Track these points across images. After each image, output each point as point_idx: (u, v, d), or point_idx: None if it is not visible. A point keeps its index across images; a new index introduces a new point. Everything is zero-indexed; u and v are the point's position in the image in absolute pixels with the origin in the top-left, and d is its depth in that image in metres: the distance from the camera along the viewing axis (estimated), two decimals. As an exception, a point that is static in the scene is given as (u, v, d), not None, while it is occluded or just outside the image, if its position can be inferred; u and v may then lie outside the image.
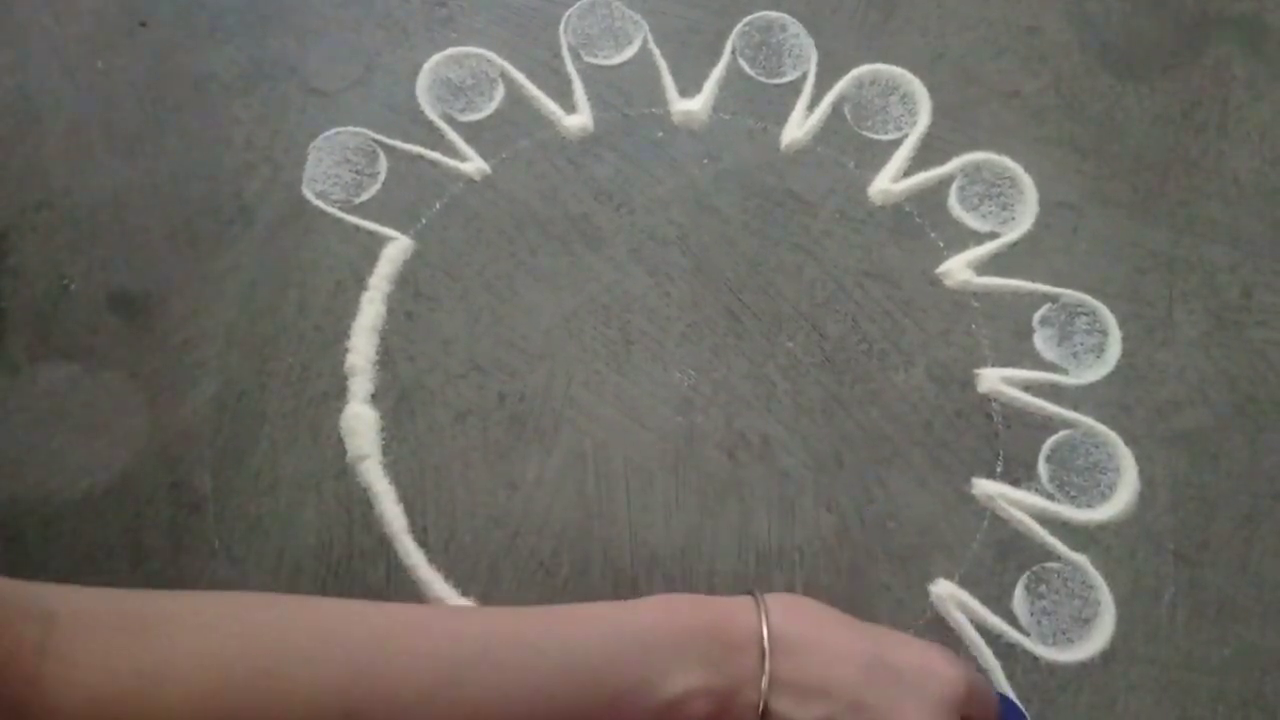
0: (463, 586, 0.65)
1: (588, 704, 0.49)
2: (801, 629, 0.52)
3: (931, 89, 0.80)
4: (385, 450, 0.69)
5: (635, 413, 0.70)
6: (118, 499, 0.66)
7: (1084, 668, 0.64)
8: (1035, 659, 0.64)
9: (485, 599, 0.65)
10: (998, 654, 0.64)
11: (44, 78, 0.79)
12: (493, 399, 0.70)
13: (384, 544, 0.66)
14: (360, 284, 0.73)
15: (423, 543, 0.66)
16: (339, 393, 0.70)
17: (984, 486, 0.69)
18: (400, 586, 0.65)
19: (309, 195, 0.75)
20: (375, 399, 0.70)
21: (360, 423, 0.69)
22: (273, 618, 0.49)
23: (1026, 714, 0.62)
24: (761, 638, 0.51)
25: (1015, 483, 0.69)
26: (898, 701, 0.51)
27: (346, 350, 0.71)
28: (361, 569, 0.65)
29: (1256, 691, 0.64)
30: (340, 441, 0.69)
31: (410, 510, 0.67)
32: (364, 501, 0.67)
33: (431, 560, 0.66)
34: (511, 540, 0.66)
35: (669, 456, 0.69)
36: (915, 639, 0.56)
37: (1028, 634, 0.65)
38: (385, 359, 0.71)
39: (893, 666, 0.52)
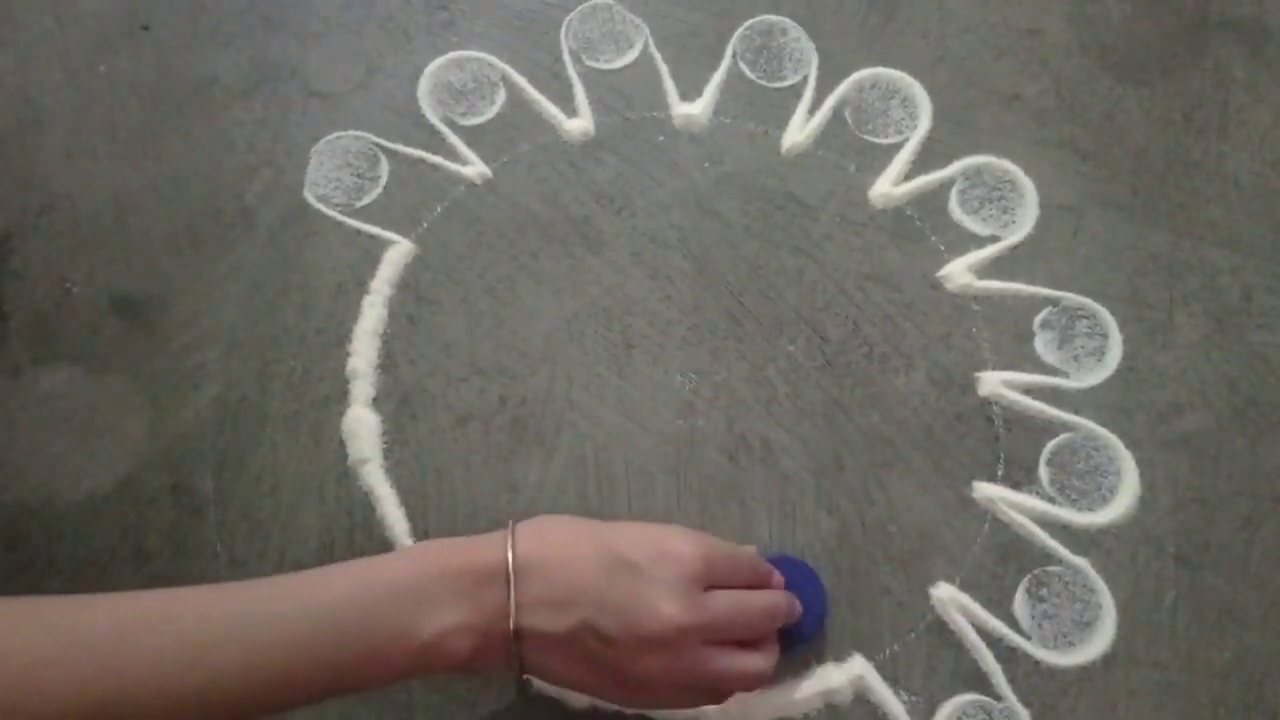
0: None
1: (346, 660, 0.50)
2: (545, 550, 0.54)
3: (932, 92, 0.81)
4: (387, 454, 0.69)
5: (636, 416, 0.71)
6: (119, 501, 0.67)
7: (1085, 671, 0.64)
8: (1036, 662, 0.65)
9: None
10: (999, 657, 0.64)
11: (46, 81, 0.79)
12: (494, 402, 0.70)
13: (385, 547, 0.66)
14: (362, 287, 0.74)
15: (424, 546, 0.67)
16: (340, 396, 0.70)
17: (985, 490, 0.69)
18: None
19: (310, 199, 0.76)
20: (377, 402, 0.70)
21: (362, 426, 0.69)
22: (11, 625, 0.49)
23: (815, 571, 0.65)
24: (508, 566, 0.53)
25: (1016, 486, 0.69)
26: (639, 591, 0.53)
27: (348, 354, 0.72)
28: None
29: (1258, 695, 0.64)
30: (342, 445, 0.69)
31: (412, 514, 0.68)
32: (365, 505, 0.68)
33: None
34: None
35: (670, 459, 0.70)
36: (653, 527, 0.58)
37: (1029, 637, 0.65)
38: (387, 362, 0.72)
39: (629, 561, 0.54)
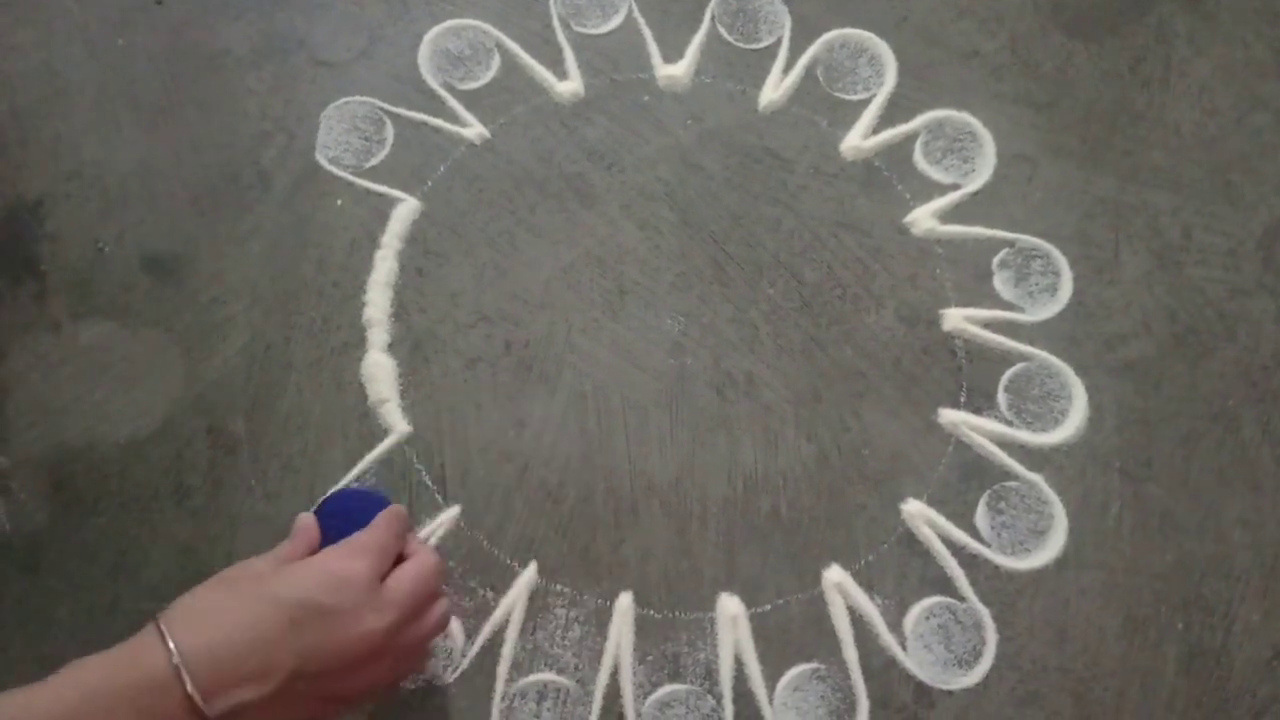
0: (478, 515, 0.71)
1: None
2: (210, 631, 0.51)
3: (897, 51, 0.85)
4: (403, 394, 0.74)
5: (631, 356, 0.75)
6: (159, 443, 0.71)
7: (1040, 574, 0.70)
8: (996, 567, 0.70)
9: (499, 526, 0.70)
10: (962, 563, 0.70)
11: (68, 55, 0.83)
12: (500, 346, 0.75)
13: (405, 479, 0.71)
14: (373, 243, 0.78)
15: (440, 477, 0.71)
16: (358, 343, 0.75)
17: (949, 415, 0.74)
18: (422, 516, 0.71)
19: (322, 161, 0.80)
20: (392, 348, 0.75)
21: (379, 369, 0.74)
22: None
23: (359, 492, 0.68)
24: (177, 668, 0.49)
25: (977, 411, 0.74)
26: (333, 626, 0.54)
27: (363, 304, 0.76)
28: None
29: (1196, 593, 0.70)
30: (361, 387, 0.74)
31: (428, 448, 0.72)
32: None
33: (449, 493, 0.71)
34: (521, 473, 0.72)
35: (662, 395, 0.74)
36: (308, 561, 0.57)
37: (989, 545, 0.71)
38: (399, 311, 0.76)
39: (310, 603, 0.53)
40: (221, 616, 0.52)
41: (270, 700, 0.51)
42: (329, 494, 0.69)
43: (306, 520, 0.62)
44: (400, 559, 0.61)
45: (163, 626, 0.51)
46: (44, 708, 0.48)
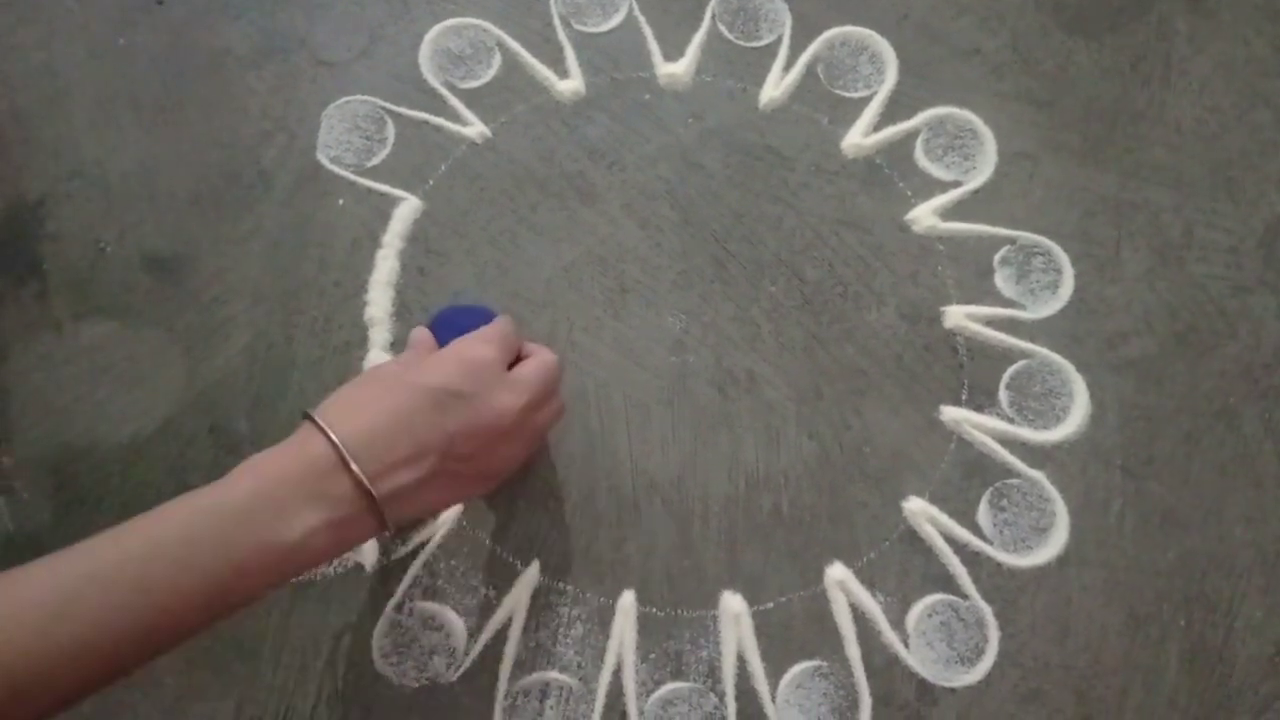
0: (481, 514, 0.71)
1: (216, 587, 0.50)
2: (365, 419, 0.55)
3: (898, 48, 0.85)
4: None
5: (632, 354, 0.75)
6: (162, 442, 0.72)
7: (1041, 571, 0.70)
8: (998, 565, 0.70)
9: (502, 525, 0.70)
10: (964, 561, 0.70)
11: (69, 55, 0.83)
12: None
13: None
14: (375, 242, 0.78)
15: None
16: (360, 342, 0.75)
17: (951, 413, 0.74)
18: (424, 515, 0.71)
19: (323, 160, 0.80)
20: (394, 347, 0.75)
21: (381, 368, 0.74)
22: None
23: (471, 304, 0.72)
24: (340, 452, 0.53)
25: (979, 408, 0.74)
26: (475, 408, 0.57)
27: (365, 303, 0.76)
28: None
29: (1198, 590, 0.70)
30: (363, 386, 0.74)
31: None
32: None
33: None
34: (524, 472, 0.72)
35: (664, 392, 0.74)
36: (446, 350, 0.60)
37: (991, 543, 0.71)
38: (401, 310, 0.76)
39: (450, 389, 0.57)
40: (371, 406, 0.56)
41: (428, 480, 0.56)
42: (437, 311, 0.69)
43: (422, 332, 0.65)
44: (519, 359, 0.63)
45: (319, 420, 0.54)
46: (225, 498, 0.51)
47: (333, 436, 0.53)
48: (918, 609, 0.69)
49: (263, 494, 0.52)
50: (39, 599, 0.47)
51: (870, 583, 0.69)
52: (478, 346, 0.60)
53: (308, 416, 0.55)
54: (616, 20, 0.86)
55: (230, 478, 0.53)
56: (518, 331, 0.64)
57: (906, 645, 0.68)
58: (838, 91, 0.84)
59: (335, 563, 0.69)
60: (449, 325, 0.65)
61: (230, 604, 0.51)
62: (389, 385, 0.57)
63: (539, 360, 0.62)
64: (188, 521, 0.50)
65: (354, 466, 0.53)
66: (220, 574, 0.50)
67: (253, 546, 0.50)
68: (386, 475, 0.54)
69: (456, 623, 0.68)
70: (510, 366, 0.61)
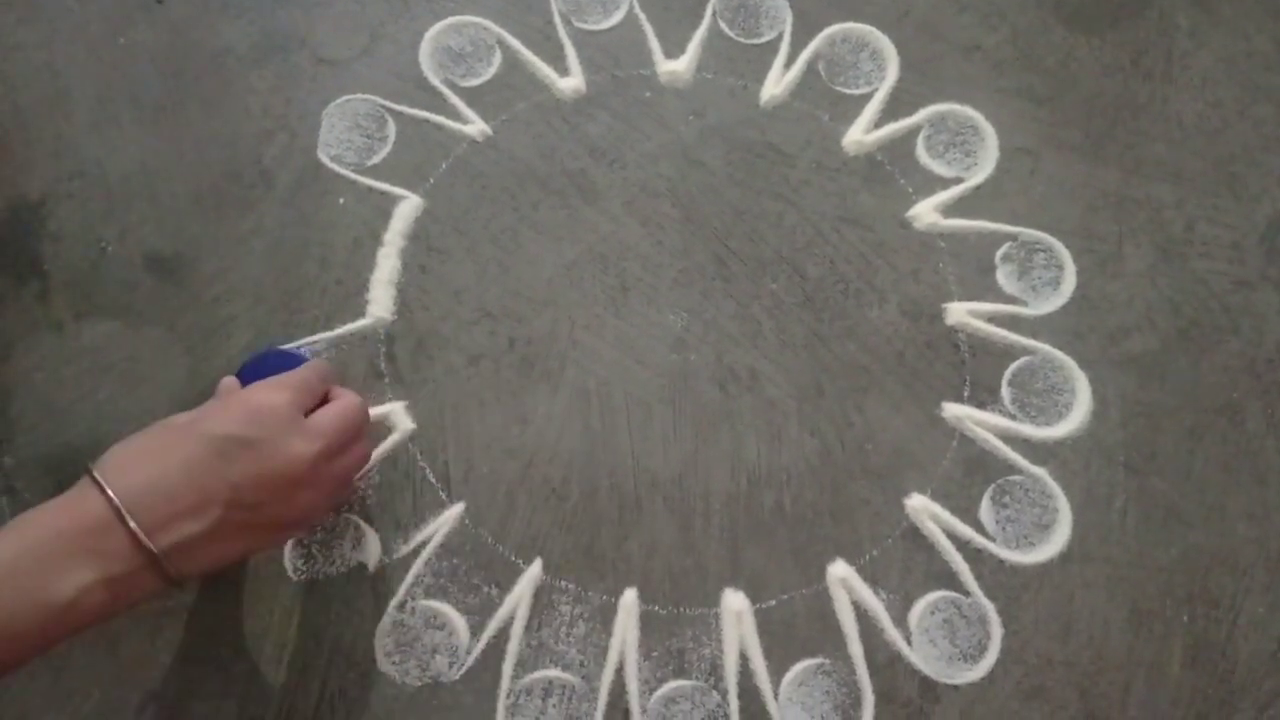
0: (482, 513, 0.71)
1: None
2: (145, 472, 0.53)
3: (899, 45, 0.85)
4: (407, 392, 0.74)
5: (634, 352, 0.75)
6: None
7: (1044, 568, 0.70)
8: (1001, 561, 0.70)
9: (504, 523, 0.70)
10: (967, 558, 0.70)
11: (69, 54, 0.83)
12: (503, 343, 0.75)
13: (409, 477, 0.71)
14: (376, 240, 0.78)
15: (444, 475, 0.71)
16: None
17: (953, 409, 0.74)
18: (426, 513, 0.71)
19: (324, 159, 0.80)
20: (395, 345, 0.75)
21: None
22: None
23: (279, 351, 0.71)
24: (115, 506, 0.51)
25: (981, 405, 0.74)
26: (261, 454, 0.56)
27: (366, 302, 0.76)
28: (390, 496, 0.71)
29: (1201, 587, 0.70)
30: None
31: (432, 445, 0.72)
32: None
33: (453, 490, 0.71)
34: (525, 470, 0.72)
35: (666, 391, 0.74)
36: (231, 397, 0.59)
37: (994, 539, 0.71)
38: (403, 309, 0.76)
39: (235, 436, 0.55)
40: (152, 459, 0.54)
41: (215, 531, 0.54)
42: (252, 356, 0.69)
43: (229, 380, 0.63)
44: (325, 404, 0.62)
45: (96, 475, 0.53)
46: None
47: (108, 491, 0.52)
48: (920, 606, 0.69)
49: (31, 551, 0.50)
50: None
51: (872, 580, 0.69)
52: (268, 392, 0.59)
53: (88, 471, 0.54)
54: (617, 18, 0.86)
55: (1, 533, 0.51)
56: (330, 377, 0.64)
57: (909, 642, 0.68)
58: (839, 88, 0.84)
59: (337, 562, 0.69)
60: (256, 373, 0.64)
61: (2, 662, 0.50)
62: (174, 435, 0.56)
63: (339, 405, 0.61)
64: None
65: (130, 522, 0.51)
66: None
67: (21, 605, 0.49)
68: (167, 528, 0.53)
69: (459, 621, 0.68)
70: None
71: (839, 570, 0.70)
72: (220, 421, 0.56)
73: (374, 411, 0.72)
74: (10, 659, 0.50)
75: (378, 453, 0.71)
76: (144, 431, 0.57)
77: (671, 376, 0.75)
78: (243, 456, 0.55)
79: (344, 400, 0.62)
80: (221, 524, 0.54)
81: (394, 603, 0.68)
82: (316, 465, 0.58)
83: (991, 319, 0.76)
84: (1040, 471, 0.72)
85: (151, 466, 0.54)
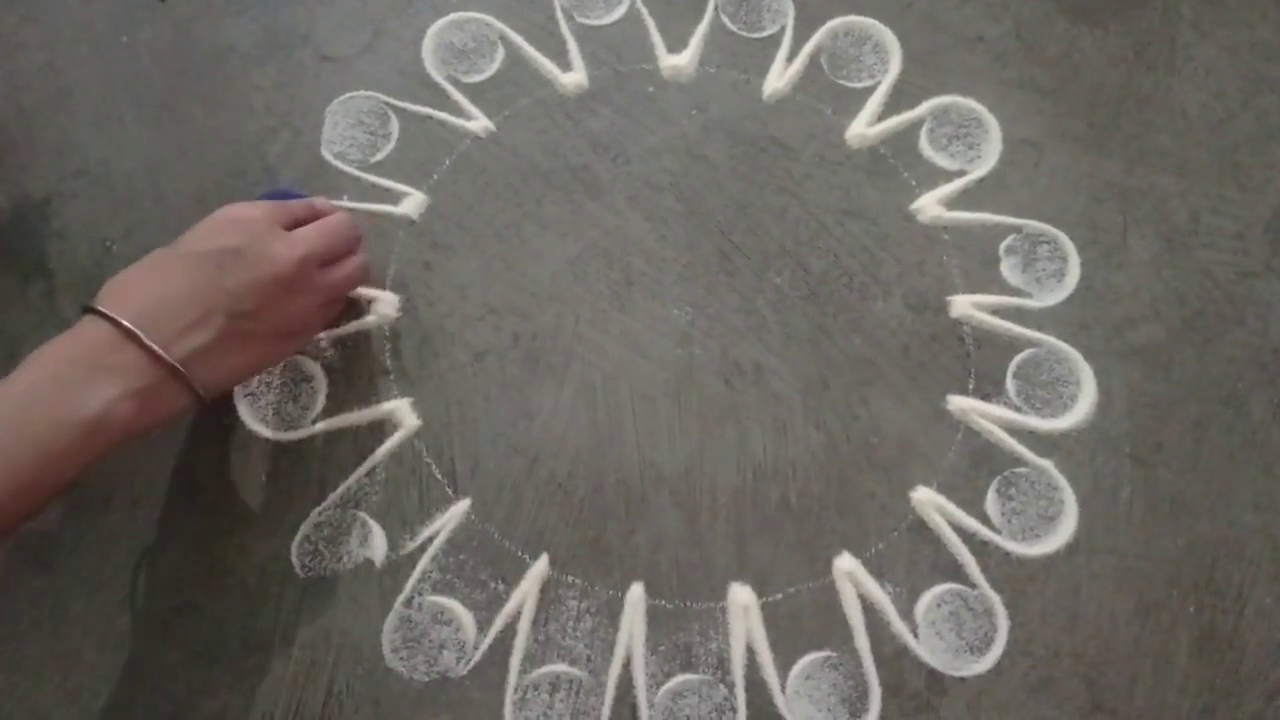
0: (489, 508, 0.71)
1: (29, 472, 0.52)
2: (144, 296, 0.57)
3: (901, 38, 0.85)
4: (413, 388, 0.74)
5: (639, 347, 0.75)
6: (171, 439, 0.71)
7: (1050, 560, 0.70)
8: (1007, 554, 0.70)
9: (510, 518, 0.70)
10: (973, 550, 0.70)
11: (72, 53, 0.83)
12: (508, 338, 0.75)
13: (415, 473, 0.71)
14: (380, 237, 0.78)
15: (450, 471, 0.72)
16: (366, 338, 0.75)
17: (958, 402, 0.74)
18: (432, 510, 0.71)
19: (328, 156, 0.80)
20: (400, 341, 0.75)
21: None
22: None
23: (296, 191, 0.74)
24: (124, 326, 0.55)
25: (986, 398, 0.74)
26: (247, 261, 0.60)
27: (370, 298, 0.76)
28: (396, 493, 0.71)
29: (1208, 577, 0.70)
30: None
31: (438, 441, 0.72)
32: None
33: (459, 486, 0.71)
34: (531, 465, 0.72)
35: (671, 385, 0.74)
36: (208, 219, 0.63)
37: (999, 532, 0.71)
38: (407, 305, 0.76)
39: (219, 248, 0.59)
40: (149, 284, 0.58)
41: (222, 341, 0.58)
42: (263, 192, 0.73)
43: None
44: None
45: (100, 308, 0.56)
46: (12, 389, 0.53)
47: (115, 317, 0.55)
48: (926, 599, 0.69)
49: (51, 378, 0.53)
50: None
51: (879, 573, 0.70)
52: (242, 208, 0.63)
53: (86, 309, 0.56)
54: (619, 13, 0.86)
55: (15, 372, 0.54)
56: (314, 207, 0.68)
57: (916, 635, 0.68)
58: (841, 82, 0.84)
59: (344, 559, 0.69)
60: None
61: (47, 487, 0.53)
62: (164, 260, 0.60)
63: (322, 220, 0.66)
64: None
65: (145, 339, 0.55)
66: (24, 459, 0.52)
67: (53, 425, 0.52)
68: (178, 341, 0.56)
69: (466, 617, 0.68)
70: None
71: (845, 563, 0.70)
72: (204, 238, 0.60)
73: (380, 409, 0.72)
74: (55, 480, 0.53)
75: (383, 450, 0.71)
76: (134, 264, 0.60)
77: (676, 371, 0.75)
78: (232, 264, 0.59)
79: (326, 218, 0.66)
80: (227, 334, 0.58)
81: (401, 599, 0.68)
82: (304, 269, 0.62)
83: (996, 311, 0.76)
84: (1046, 463, 0.72)
85: (150, 290, 0.57)
